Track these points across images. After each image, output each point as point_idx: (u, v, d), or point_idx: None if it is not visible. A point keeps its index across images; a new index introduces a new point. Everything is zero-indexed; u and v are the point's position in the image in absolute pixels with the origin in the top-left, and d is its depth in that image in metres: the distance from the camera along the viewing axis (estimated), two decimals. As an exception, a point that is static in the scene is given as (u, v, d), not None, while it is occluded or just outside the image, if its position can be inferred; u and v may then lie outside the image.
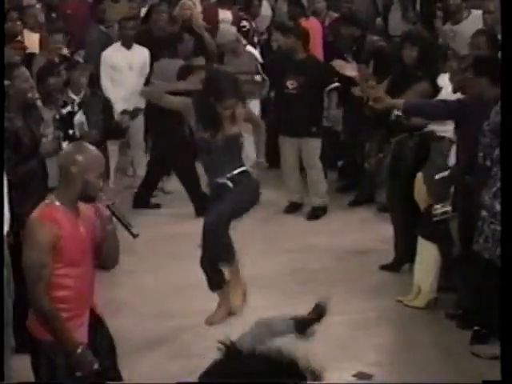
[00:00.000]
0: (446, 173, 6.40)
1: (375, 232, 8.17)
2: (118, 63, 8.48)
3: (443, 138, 6.71)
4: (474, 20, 8.90)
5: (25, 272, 3.84)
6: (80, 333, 3.95)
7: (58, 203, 3.85)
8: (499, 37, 7.41)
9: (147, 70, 8.64)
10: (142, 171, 8.95)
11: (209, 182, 6.39)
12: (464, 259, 6.16)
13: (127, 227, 4.23)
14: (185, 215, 8.39)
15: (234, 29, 9.83)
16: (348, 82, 8.56)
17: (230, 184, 5.82)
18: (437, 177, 6.46)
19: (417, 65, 7.20)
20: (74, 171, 3.84)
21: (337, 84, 8.51)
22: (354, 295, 6.88)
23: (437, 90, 6.90)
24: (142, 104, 8.49)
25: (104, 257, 4.17)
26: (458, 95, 6.56)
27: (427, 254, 6.60)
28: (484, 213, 5.56)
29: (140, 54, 8.67)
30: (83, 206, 3.99)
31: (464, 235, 6.09)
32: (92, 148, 4.10)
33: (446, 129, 6.65)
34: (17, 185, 5.44)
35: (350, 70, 6.69)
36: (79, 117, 6.96)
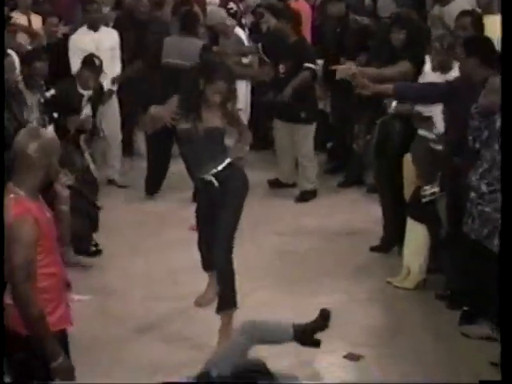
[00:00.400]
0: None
1: (364, 213, 8.24)
2: (85, 46, 8.31)
3: (428, 118, 6.71)
4: (462, 1, 8.90)
5: (11, 274, 3.68)
6: (67, 316, 3.97)
7: (22, 193, 3.70)
8: (498, 17, 7.51)
9: (117, 51, 8.65)
10: (117, 162, 8.94)
11: (194, 177, 6.37)
12: (452, 240, 6.18)
13: (91, 202, 4.28)
14: (182, 200, 8.41)
15: (222, 11, 9.79)
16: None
17: (215, 182, 5.66)
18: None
19: (404, 47, 7.28)
20: (35, 157, 3.68)
21: (310, 65, 8.55)
22: (343, 276, 6.91)
23: (420, 71, 6.92)
24: (113, 86, 8.51)
25: (59, 237, 4.12)
26: (438, 75, 6.69)
27: (416, 235, 6.63)
28: (472, 194, 5.56)
29: (108, 36, 8.64)
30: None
31: (452, 216, 6.12)
32: (46, 131, 4.04)
33: (431, 109, 6.67)
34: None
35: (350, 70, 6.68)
36: (87, 111, 6.97)
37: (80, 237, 7.07)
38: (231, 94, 5.69)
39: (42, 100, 6.40)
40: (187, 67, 7.86)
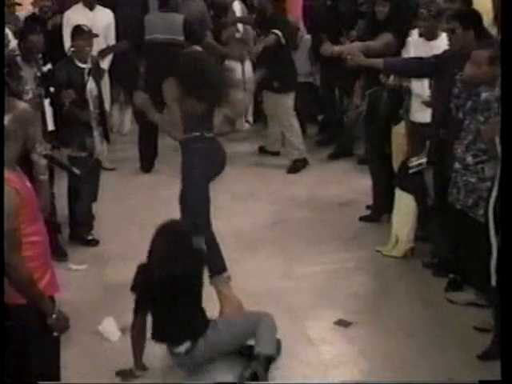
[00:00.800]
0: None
1: (355, 184, 8.29)
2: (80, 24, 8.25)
3: None
4: None
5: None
6: (54, 283, 3.94)
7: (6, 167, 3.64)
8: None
9: (112, 30, 8.62)
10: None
11: None
12: (439, 209, 6.21)
13: (68, 168, 4.34)
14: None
15: None
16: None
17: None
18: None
19: (387, 20, 7.41)
20: (11, 129, 3.64)
21: (275, 31, 8.73)
22: (334, 246, 6.97)
23: (403, 43, 6.99)
24: (105, 65, 8.47)
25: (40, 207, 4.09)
26: (424, 42, 6.78)
27: (404, 205, 6.67)
28: (457, 165, 5.57)
29: (103, 16, 8.59)
30: None
31: (438, 186, 6.14)
32: (20, 102, 3.97)
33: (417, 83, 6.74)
34: None
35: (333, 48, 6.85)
36: (91, 85, 6.93)
37: (79, 222, 7.17)
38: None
39: (39, 74, 6.38)
40: (174, 41, 7.94)
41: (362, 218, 7.51)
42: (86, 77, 6.82)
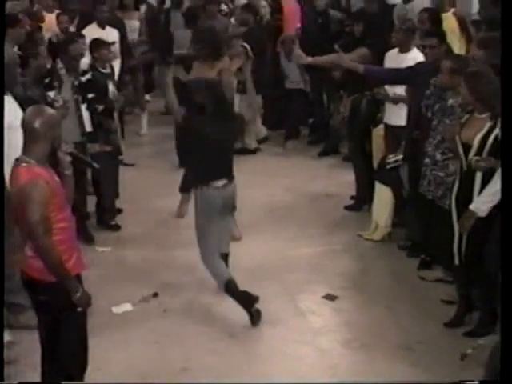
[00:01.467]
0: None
1: (340, 178, 8.23)
2: None
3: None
4: (421, 0, 9.03)
5: (30, 229, 3.72)
6: (80, 264, 4.00)
7: (33, 162, 3.76)
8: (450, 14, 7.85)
9: (117, 46, 8.62)
10: None
11: None
12: (412, 199, 6.25)
13: (89, 163, 4.47)
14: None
15: None
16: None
17: None
18: None
19: (363, 37, 7.59)
20: (41, 131, 3.75)
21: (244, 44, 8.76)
22: (322, 230, 7.00)
23: (380, 57, 7.00)
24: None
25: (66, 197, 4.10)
26: (398, 54, 6.80)
27: (382, 196, 6.71)
28: (428, 161, 5.62)
29: (111, 34, 8.59)
30: None
31: (412, 180, 6.16)
32: (48, 108, 4.05)
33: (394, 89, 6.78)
34: None
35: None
36: (112, 88, 6.97)
37: (104, 208, 7.19)
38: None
39: (76, 82, 6.38)
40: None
41: (346, 207, 7.53)
42: (108, 80, 6.88)
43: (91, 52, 7.09)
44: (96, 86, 6.58)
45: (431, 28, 6.76)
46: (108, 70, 7.07)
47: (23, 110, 4.55)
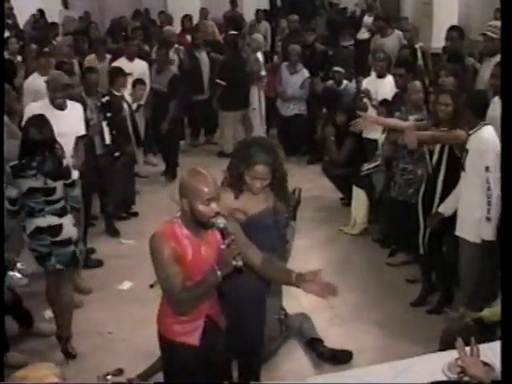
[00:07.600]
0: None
1: (325, 182, 8.25)
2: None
3: None
4: (396, 36, 9.21)
5: (161, 285, 3.14)
6: (194, 336, 3.22)
7: (180, 222, 3.11)
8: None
9: (147, 76, 8.40)
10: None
11: None
12: (386, 200, 6.20)
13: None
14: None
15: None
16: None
17: None
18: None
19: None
20: (183, 197, 3.08)
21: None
22: (310, 226, 6.93)
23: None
24: (141, 101, 8.22)
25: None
26: (375, 78, 6.95)
27: (359, 197, 6.78)
28: (396, 168, 5.70)
29: (140, 66, 8.44)
30: (213, 232, 3.16)
31: (385, 184, 6.21)
32: (205, 172, 3.05)
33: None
34: None
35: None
36: (125, 106, 7.10)
37: (118, 205, 7.20)
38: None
39: (98, 104, 6.50)
40: None
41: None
42: (121, 100, 7.03)
43: (109, 78, 7.19)
44: (112, 107, 6.64)
45: (403, 60, 6.92)
46: (120, 93, 7.13)
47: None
